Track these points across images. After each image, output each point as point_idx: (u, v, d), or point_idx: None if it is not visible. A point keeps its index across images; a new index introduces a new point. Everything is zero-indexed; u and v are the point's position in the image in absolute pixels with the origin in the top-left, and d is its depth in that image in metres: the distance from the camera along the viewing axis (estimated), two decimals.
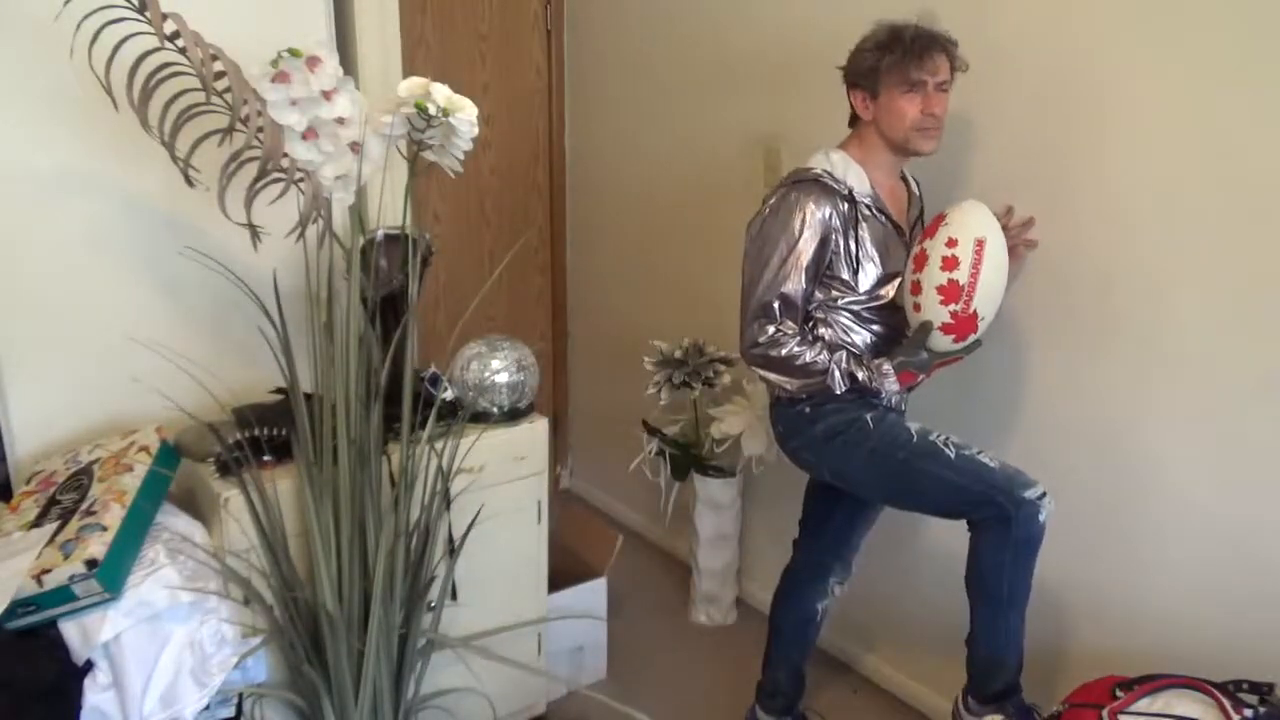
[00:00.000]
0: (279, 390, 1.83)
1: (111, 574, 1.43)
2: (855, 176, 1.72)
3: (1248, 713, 1.40)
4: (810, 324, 1.77)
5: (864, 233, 1.72)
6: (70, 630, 1.45)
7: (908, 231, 1.82)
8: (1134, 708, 1.46)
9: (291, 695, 1.70)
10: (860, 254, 1.72)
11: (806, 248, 1.68)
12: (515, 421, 1.97)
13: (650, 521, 3.09)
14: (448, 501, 1.78)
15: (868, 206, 1.73)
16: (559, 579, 2.20)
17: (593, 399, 3.34)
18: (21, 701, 1.40)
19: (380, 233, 1.80)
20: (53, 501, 1.58)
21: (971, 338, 1.68)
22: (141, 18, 1.33)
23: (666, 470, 2.61)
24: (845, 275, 1.73)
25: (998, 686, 1.74)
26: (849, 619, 2.43)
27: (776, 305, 1.70)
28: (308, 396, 1.62)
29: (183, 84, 1.42)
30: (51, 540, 1.47)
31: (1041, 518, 1.64)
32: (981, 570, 1.70)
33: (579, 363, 3.37)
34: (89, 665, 1.45)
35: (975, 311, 1.64)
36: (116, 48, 1.38)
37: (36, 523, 1.53)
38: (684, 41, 2.63)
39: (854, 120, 1.78)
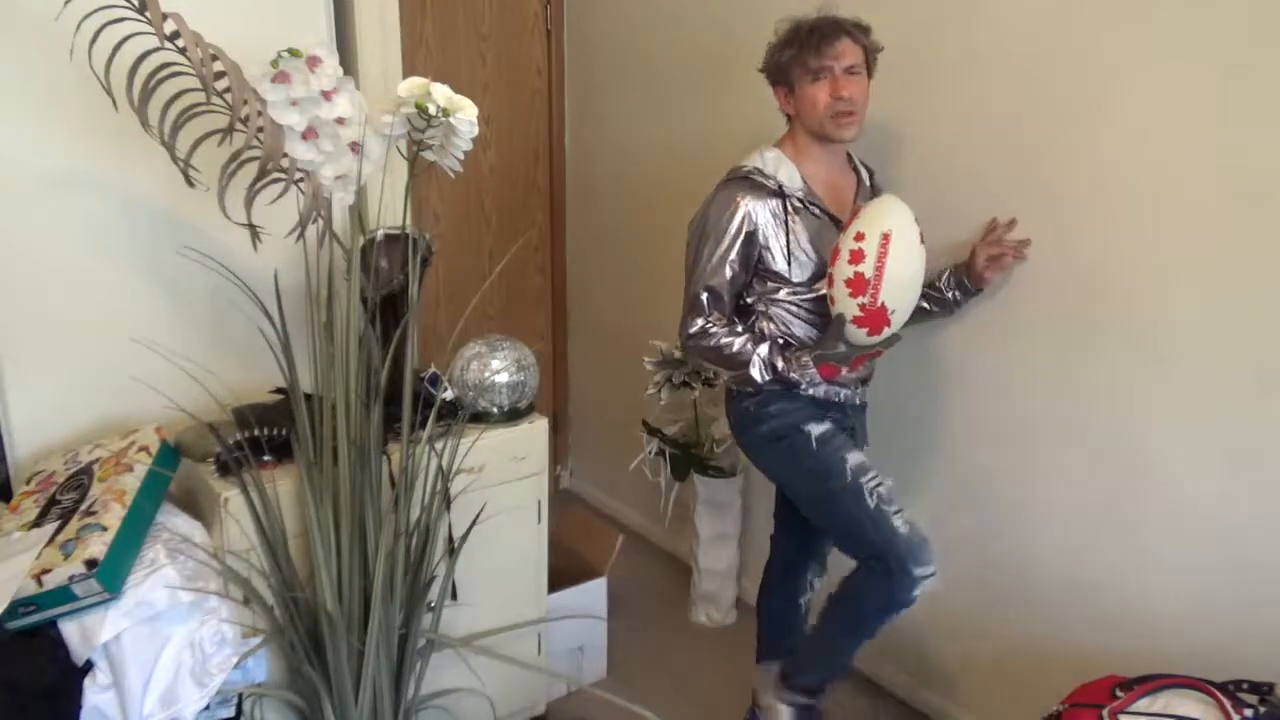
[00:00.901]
0: (279, 390, 1.83)
1: (111, 574, 1.43)
2: (785, 171, 1.78)
3: (1248, 713, 1.40)
4: (752, 318, 1.84)
5: (797, 226, 1.76)
6: (70, 630, 1.45)
7: (847, 221, 1.82)
8: (1134, 708, 1.46)
9: (291, 695, 1.70)
10: (793, 247, 1.77)
11: (732, 242, 1.75)
12: (515, 421, 1.97)
13: (650, 521, 3.09)
14: (448, 501, 1.78)
15: (800, 200, 1.77)
16: (559, 579, 2.20)
17: (593, 399, 3.34)
18: (21, 701, 1.40)
19: (380, 233, 1.80)
20: (53, 501, 1.58)
21: (886, 331, 1.69)
22: (141, 18, 1.33)
23: (666, 470, 2.61)
24: (779, 268, 1.78)
25: (810, 683, 1.95)
26: None
27: (705, 298, 1.77)
28: (308, 396, 1.62)
29: (183, 84, 1.42)
30: (51, 540, 1.47)
31: (915, 593, 1.73)
32: (849, 597, 1.81)
33: (579, 363, 3.37)
34: (89, 665, 1.45)
35: (884, 305, 1.65)
36: (116, 48, 1.38)
37: (36, 523, 1.53)
38: (684, 41, 2.63)
39: (787, 117, 1.84)
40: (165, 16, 1.33)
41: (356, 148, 1.47)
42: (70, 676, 1.44)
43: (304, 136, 1.41)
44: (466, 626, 1.90)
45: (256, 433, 1.72)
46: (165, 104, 1.42)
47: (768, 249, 1.77)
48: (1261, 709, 1.41)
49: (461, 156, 1.51)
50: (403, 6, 2.16)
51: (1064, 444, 1.89)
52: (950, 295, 1.93)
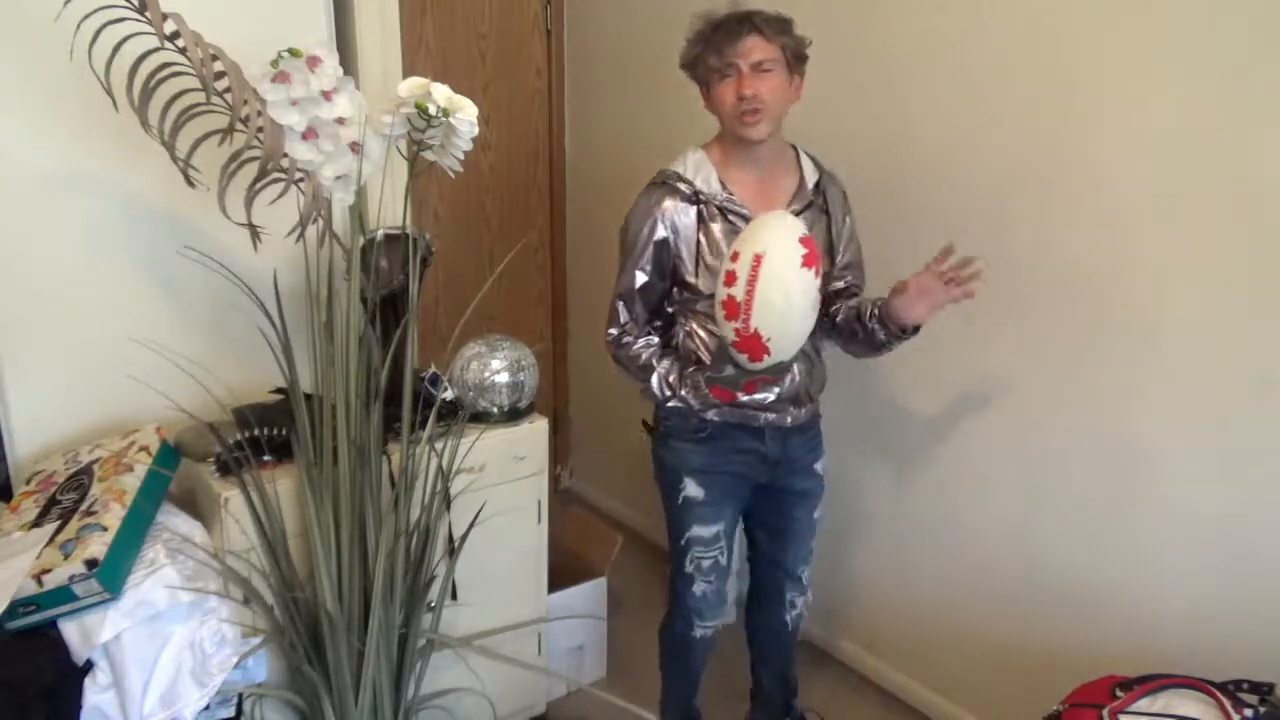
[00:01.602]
0: (279, 390, 1.83)
1: (111, 574, 1.43)
2: (704, 175, 1.71)
3: (1248, 713, 1.40)
4: (674, 328, 1.80)
5: (713, 234, 1.69)
6: (70, 630, 1.45)
7: None
8: (1134, 708, 1.46)
9: (291, 695, 1.70)
10: (705, 256, 1.70)
11: (643, 248, 1.71)
12: (515, 421, 1.97)
13: (650, 521, 3.09)
14: (448, 501, 1.78)
15: (717, 206, 1.69)
16: (559, 579, 2.20)
17: (593, 399, 3.34)
18: (21, 701, 1.40)
19: (380, 233, 1.80)
20: (53, 501, 1.58)
21: (768, 360, 1.57)
22: (141, 18, 1.33)
23: None
24: (689, 277, 1.71)
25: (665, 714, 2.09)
26: (849, 618, 2.43)
27: (620, 305, 1.76)
28: (308, 396, 1.62)
29: (183, 84, 1.42)
30: (51, 540, 1.47)
31: (676, 630, 1.94)
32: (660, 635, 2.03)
33: (579, 363, 3.37)
34: (89, 665, 1.45)
35: (756, 331, 1.53)
36: (116, 48, 1.38)
37: (36, 523, 1.53)
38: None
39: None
40: (165, 16, 1.33)
41: (356, 148, 1.47)
42: (70, 676, 1.44)
43: (304, 136, 1.41)
44: (466, 626, 1.90)
45: (256, 433, 1.72)
46: (165, 104, 1.42)
47: (680, 257, 1.71)
48: (1261, 709, 1.41)
49: (461, 156, 1.51)
50: (403, 6, 2.16)
51: (1065, 444, 1.89)
52: (872, 328, 1.72)
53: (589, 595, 2.32)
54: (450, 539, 1.84)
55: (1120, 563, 1.83)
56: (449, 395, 1.89)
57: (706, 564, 1.85)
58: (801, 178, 1.78)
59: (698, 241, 1.69)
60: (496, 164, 3.07)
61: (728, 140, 1.72)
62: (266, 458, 1.71)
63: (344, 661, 1.59)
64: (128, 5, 1.33)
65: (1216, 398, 1.65)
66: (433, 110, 1.42)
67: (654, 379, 1.74)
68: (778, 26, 1.64)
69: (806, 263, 1.52)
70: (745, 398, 1.73)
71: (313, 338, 1.60)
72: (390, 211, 1.75)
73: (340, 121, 1.43)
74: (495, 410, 1.94)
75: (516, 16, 3.00)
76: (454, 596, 1.87)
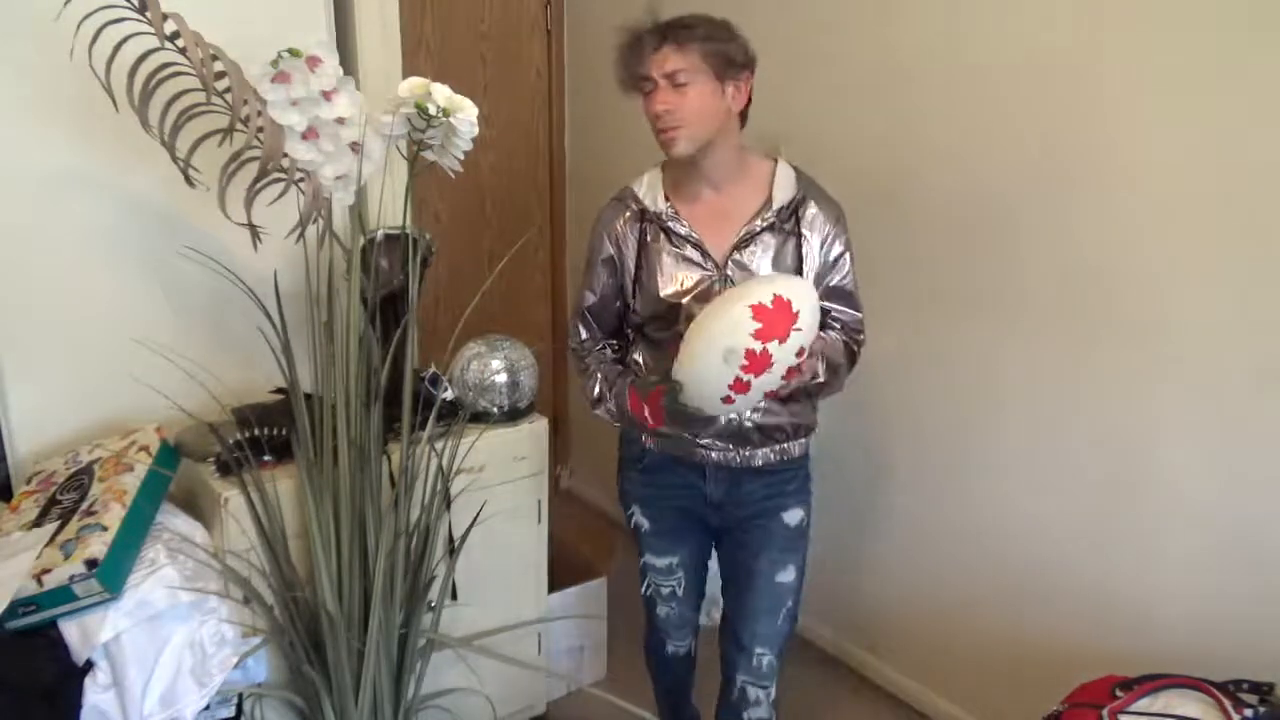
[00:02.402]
0: (279, 390, 1.83)
1: (111, 574, 1.43)
2: (651, 193, 1.61)
3: (1248, 713, 1.40)
4: (630, 348, 1.71)
5: (651, 253, 1.59)
6: (70, 630, 1.45)
7: (724, 254, 1.56)
8: (1134, 708, 1.46)
9: (291, 695, 1.70)
10: (644, 276, 1.61)
11: (594, 264, 1.66)
12: (515, 421, 1.98)
13: None
14: (448, 501, 1.78)
15: (662, 226, 1.58)
16: (559, 579, 2.20)
17: None
18: (21, 701, 1.40)
19: (380, 233, 1.80)
20: (53, 501, 1.58)
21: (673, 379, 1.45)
22: (141, 18, 1.33)
23: None
24: (629, 298, 1.65)
25: None
26: (849, 618, 2.43)
27: (577, 320, 1.73)
28: (308, 396, 1.62)
29: (183, 84, 1.42)
30: (51, 540, 1.47)
31: (650, 645, 1.93)
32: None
33: None
34: (89, 665, 1.45)
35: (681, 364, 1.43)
36: (117, 48, 1.38)
37: (37, 523, 1.53)
38: None
39: None
40: (165, 16, 1.33)
41: (356, 148, 1.47)
42: (70, 676, 1.44)
43: (304, 136, 1.41)
44: (466, 626, 1.90)
45: (256, 433, 1.72)
46: (165, 104, 1.42)
47: (624, 277, 1.64)
48: (1261, 709, 1.41)
49: (461, 156, 1.51)
50: (403, 6, 2.16)
51: (1067, 444, 1.89)
52: None
53: (589, 595, 2.32)
54: (450, 539, 1.84)
55: (1120, 563, 1.83)
56: (449, 395, 1.89)
57: (665, 591, 1.80)
58: (769, 196, 1.58)
59: (637, 262, 1.61)
60: (496, 164, 3.07)
61: None
62: (266, 458, 1.71)
63: (344, 661, 1.59)
64: (128, 5, 1.33)
65: (1219, 397, 1.65)
66: (433, 110, 1.42)
67: (589, 383, 1.69)
68: (698, 33, 1.46)
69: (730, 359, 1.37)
70: (703, 428, 1.59)
71: (313, 338, 1.60)
72: (390, 211, 1.75)
73: (340, 121, 1.43)
74: (495, 410, 1.94)
75: (516, 16, 3.00)
76: (454, 596, 1.87)
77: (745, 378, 1.39)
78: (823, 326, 1.60)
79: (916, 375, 2.14)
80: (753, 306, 1.36)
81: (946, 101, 1.98)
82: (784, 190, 1.58)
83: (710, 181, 1.57)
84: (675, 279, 1.58)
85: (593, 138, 3.08)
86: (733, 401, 1.43)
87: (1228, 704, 1.40)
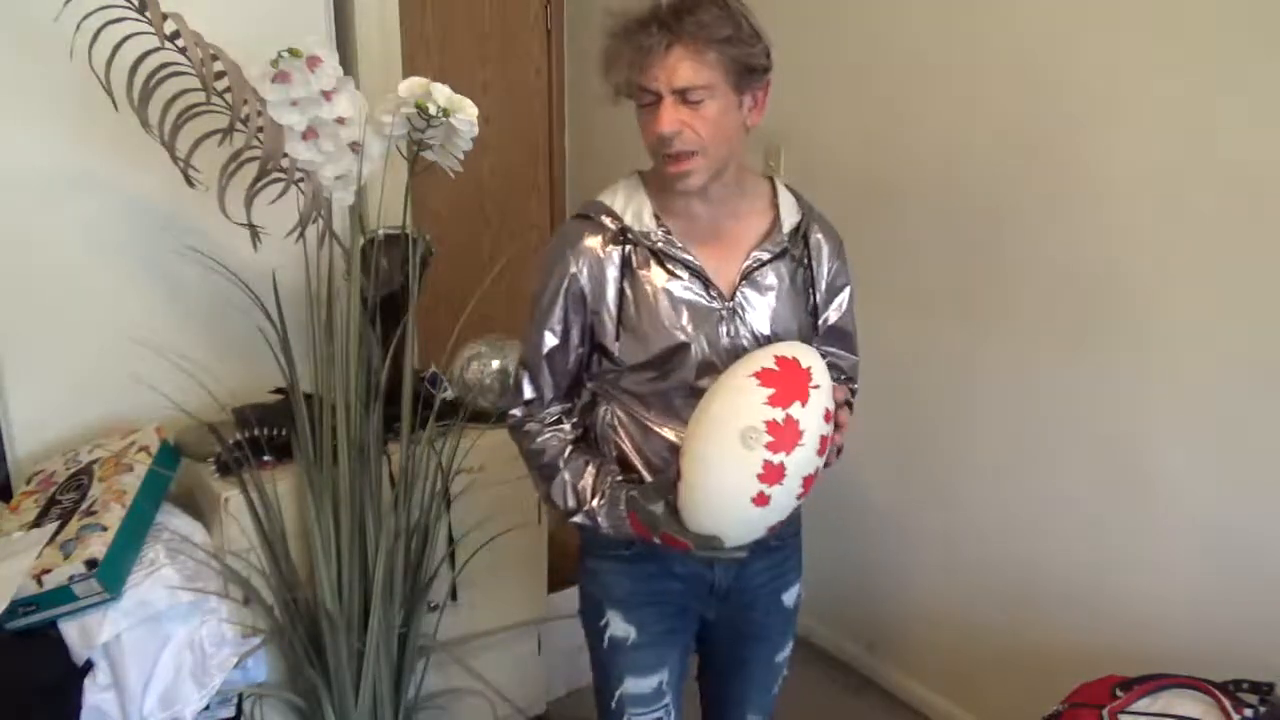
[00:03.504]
0: (279, 390, 1.83)
1: (111, 574, 1.43)
2: (634, 209, 1.27)
3: (1248, 712, 1.39)
4: (594, 414, 1.34)
5: (641, 284, 1.25)
6: (70, 630, 1.45)
7: (731, 285, 1.28)
8: (1134, 708, 1.46)
9: (291, 695, 1.70)
10: (629, 315, 1.25)
11: (552, 303, 1.26)
12: None
13: None
14: (448, 501, 1.78)
15: (652, 250, 1.25)
16: (559, 579, 2.20)
17: None
18: (21, 701, 1.40)
19: (380, 233, 1.80)
20: (53, 501, 1.58)
21: (704, 524, 1.16)
22: (141, 18, 1.33)
23: None
24: (608, 342, 1.26)
25: None
26: (849, 618, 2.43)
27: (525, 378, 1.31)
28: (308, 396, 1.62)
29: (183, 84, 1.42)
30: (51, 540, 1.47)
31: None
32: None
33: None
34: (89, 665, 1.45)
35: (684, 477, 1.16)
36: (116, 48, 1.38)
37: (36, 523, 1.53)
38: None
39: None
40: (165, 16, 1.33)
41: (356, 148, 1.47)
42: (70, 676, 1.44)
43: (304, 136, 1.41)
44: (466, 626, 1.90)
45: (256, 433, 1.72)
46: (165, 104, 1.43)
47: (599, 315, 1.26)
48: (1261, 709, 1.40)
49: (461, 156, 1.51)
50: (403, 6, 2.17)
51: (1066, 444, 1.89)
52: None
53: None
54: (450, 539, 1.84)
55: (1120, 562, 1.83)
56: (449, 395, 1.89)
57: None
58: (776, 217, 1.33)
59: (620, 294, 1.25)
60: (496, 164, 3.07)
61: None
62: (266, 458, 1.71)
63: (344, 662, 1.59)
64: (128, 5, 1.33)
65: (1217, 397, 1.64)
66: (433, 110, 1.42)
67: (557, 484, 1.28)
68: (714, 30, 1.15)
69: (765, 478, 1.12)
70: (659, 542, 1.22)
71: (313, 338, 1.60)
72: (390, 211, 1.75)
73: (340, 121, 1.43)
74: (495, 410, 1.94)
75: (516, 16, 3.00)
76: (454, 597, 1.87)
77: (776, 459, 1.12)
78: None
79: (914, 375, 2.14)
80: (756, 374, 1.15)
81: (939, 101, 1.98)
82: (790, 212, 1.34)
83: (705, 197, 1.26)
84: (674, 316, 1.25)
85: (593, 138, 3.08)
86: (767, 501, 1.13)
87: (1228, 704, 1.40)
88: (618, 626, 1.36)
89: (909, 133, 2.06)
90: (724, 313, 1.27)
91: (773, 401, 1.13)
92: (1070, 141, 1.78)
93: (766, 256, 1.30)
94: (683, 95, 1.16)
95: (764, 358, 1.17)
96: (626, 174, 1.33)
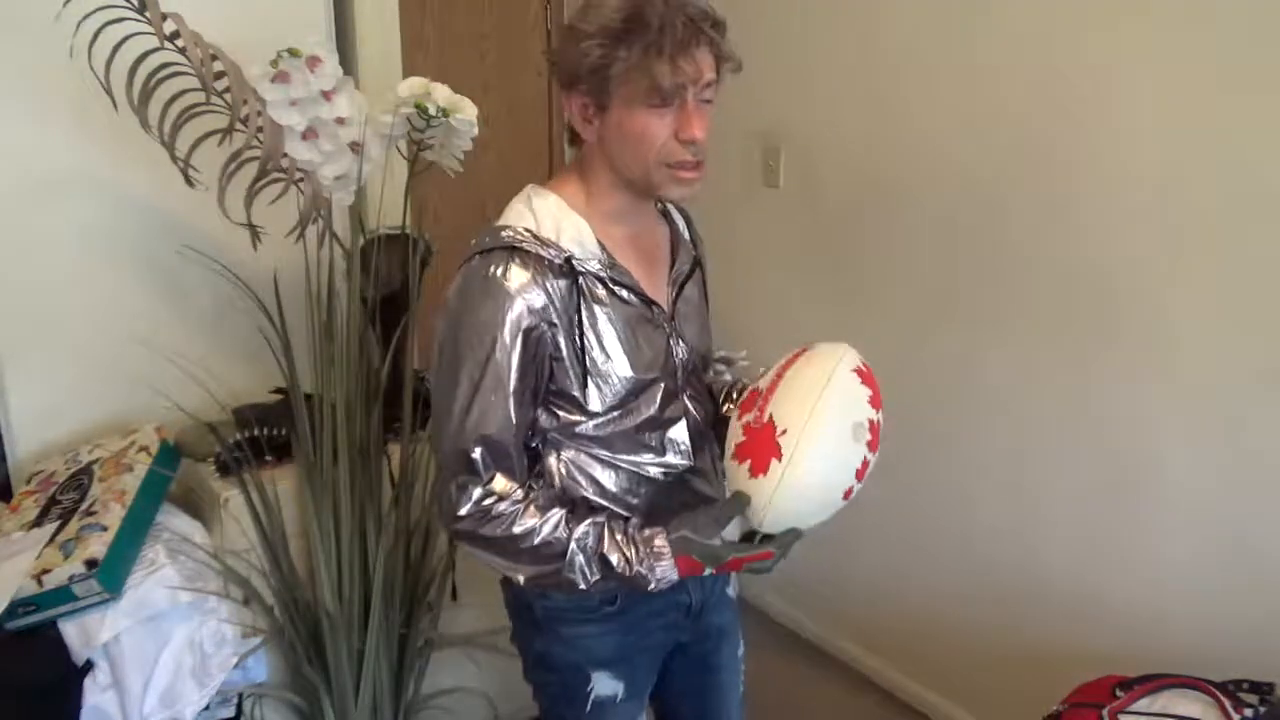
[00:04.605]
0: (279, 390, 1.83)
1: (111, 574, 1.44)
2: (572, 232, 1.13)
3: (1248, 713, 1.40)
4: (536, 468, 1.18)
5: (598, 320, 1.13)
6: (70, 630, 1.45)
7: (669, 303, 1.22)
8: (1134, 708, 1.46)
9: (291, 695, 1.70)
10: (592, 356, 1.13)
11: (507, 360, 1.08)
12: None
13: None
14: None
15: (600, 279, 1.13)
16: None
17: None
18: (21, 701, 1.40)
19: (380, 233, 1.81)
20: (53, 501, 1.58)
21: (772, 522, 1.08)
22: (141, 18, 1.33)
23: None
24: (573, 389, 1.13)
25: None
26: (849, 618, 2.43)
27: (479, 454, 1.10)
28: (308, 396, 1.62)
29: (183, 84, 1.42)
30: (51, 540, 1.47)
31: None
32: None
33: None
34: (89, 665, 1.45)
35: (771, 420, 1.08)
36: (116, 48, 1.38)
37: (37, 523, 1.53)
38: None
39: (574, 138, 1.18)
40: (165, 16, 1.33)
41: (356, 148, 1.47)
42: (70, 676, 1.44)
43: (304, 136, 1.41)
44: (466, 626, 1.90)
45: (256, 433, 1.72)
46: (165, 104, 1.43)
47: (559, 361, 1.12)
48: (1261, 709, 1.41)
49: (461, 156, 1.51)
50: (403, 6, 2.17)
51: (1066, 443, 1.88)
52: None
53: None
54: (450, 539, 1.84)
55: (1120, 562, 1.83)
56: None
57: None
58: (673, 227, 1.28)
59: (579, 335, 1.12)
60: (496, 164, 3.07)
61: (602, 180, 1.16)
62: (267, 458, 1.71)
63: (344, 661, 1.59)
64: (128, 5, 1.33)
65: (1217, 397, 1.64)
66: (432, 110, 1.42)
67: (578, 558, 1.10)
68: (723, 33, 1.12)
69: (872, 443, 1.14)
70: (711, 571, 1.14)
71: (313, 338, 1.60)
72: (390, 211, 1.75)
73: (340, 121, 1.43)
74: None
75: (516, 16, 3.00)
76: (454, 596, 1.87)
77: (870, 457, 1.14)
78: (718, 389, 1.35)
79: (913, 375, 2.14)
80: (857, 370, 1.14)
81: (939, 99, 1.97)
82: (680, 219, 1.31)
83: (642, 213, 1.21)
84: (633, 347, 1.16)
85: None
86: (850, 497, 1.14)
87: (1228, 704, 1.40)
88: (605, 686, 1.26)
89: (909, 133, 2.06)
90: (670, 333, 1.21)
91: (872, 403, 1.15)
92: (1070, 141, 1.78)
93: (686, 268, 1.26)
94: (704, 94, 1.11)
95: (850, 356, 1.16)
96: (525, 191, 1.19)
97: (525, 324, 1.08)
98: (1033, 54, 1.82)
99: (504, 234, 1.12)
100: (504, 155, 3.07)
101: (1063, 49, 1.77)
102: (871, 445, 1.14)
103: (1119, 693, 1.50)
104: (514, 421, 1.10)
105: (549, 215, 1.14)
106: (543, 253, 1.10)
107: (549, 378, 1.13)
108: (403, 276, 1.71)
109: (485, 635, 1.85)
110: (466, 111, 1.45)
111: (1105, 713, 1.47)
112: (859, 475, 1.13)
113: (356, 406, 1.57)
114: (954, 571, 2.14)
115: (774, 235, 2.26)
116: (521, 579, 1.15)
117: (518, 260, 1.09)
